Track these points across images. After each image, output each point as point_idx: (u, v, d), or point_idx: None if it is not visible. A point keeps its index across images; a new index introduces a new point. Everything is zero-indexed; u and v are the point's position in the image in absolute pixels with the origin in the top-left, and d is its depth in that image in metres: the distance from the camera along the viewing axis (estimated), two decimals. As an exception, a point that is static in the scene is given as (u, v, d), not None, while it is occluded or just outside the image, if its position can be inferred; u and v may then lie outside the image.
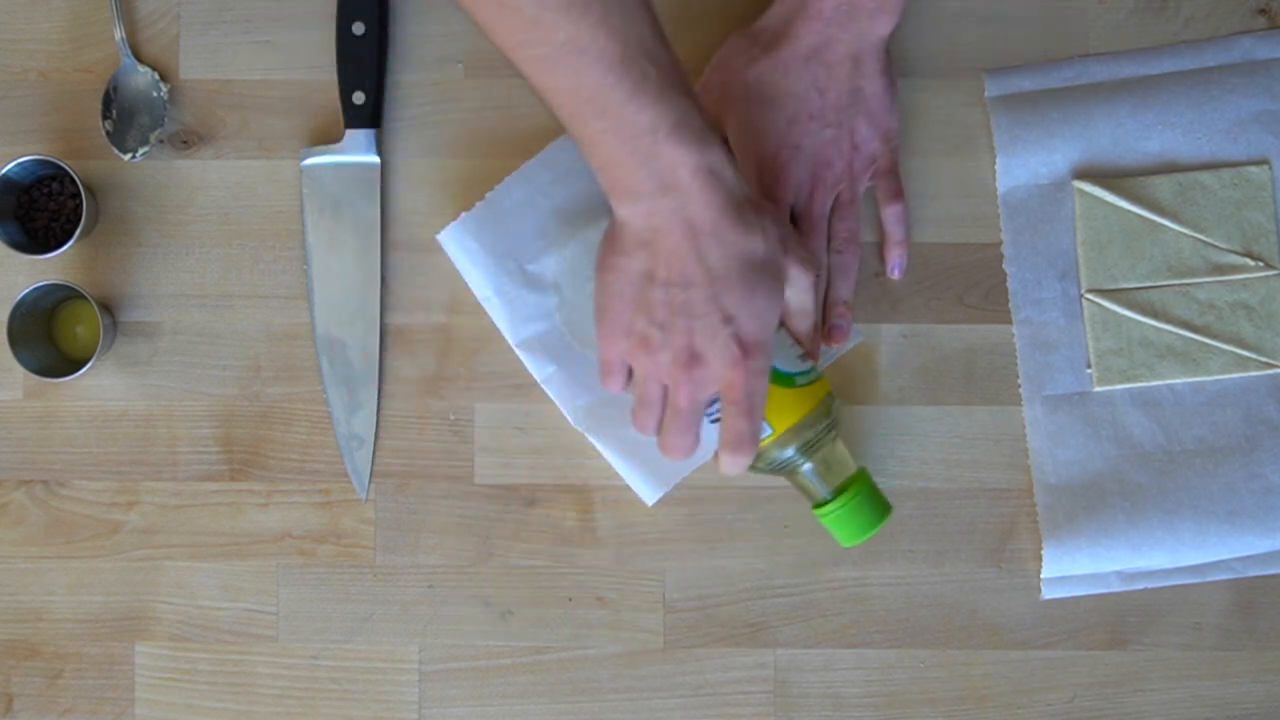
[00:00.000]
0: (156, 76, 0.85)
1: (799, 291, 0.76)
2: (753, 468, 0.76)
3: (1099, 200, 0.84)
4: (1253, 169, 0.84)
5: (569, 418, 0.84)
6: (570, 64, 0.66)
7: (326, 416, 0.85)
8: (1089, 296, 0.84)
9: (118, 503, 0.85)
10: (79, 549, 0.85)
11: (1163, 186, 0.84)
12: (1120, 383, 0.84)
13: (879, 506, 0.79)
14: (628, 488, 0.84)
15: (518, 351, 0.84)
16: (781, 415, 0.76)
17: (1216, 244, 0.84)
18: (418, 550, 0.85)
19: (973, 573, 0.84)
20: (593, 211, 0.83)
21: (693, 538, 0.85)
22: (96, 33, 0.86)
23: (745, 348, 0.71)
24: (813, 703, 0.84)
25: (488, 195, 0.84)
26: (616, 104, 0.66)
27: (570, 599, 0.85)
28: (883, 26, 0.81)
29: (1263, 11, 0.86)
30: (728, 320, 0.71)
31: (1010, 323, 0.85)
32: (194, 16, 0.86)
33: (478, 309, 0.85)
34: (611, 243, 0.72)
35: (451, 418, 0.85)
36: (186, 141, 0.86)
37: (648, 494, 0.84)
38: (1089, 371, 0.84)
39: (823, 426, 0.77)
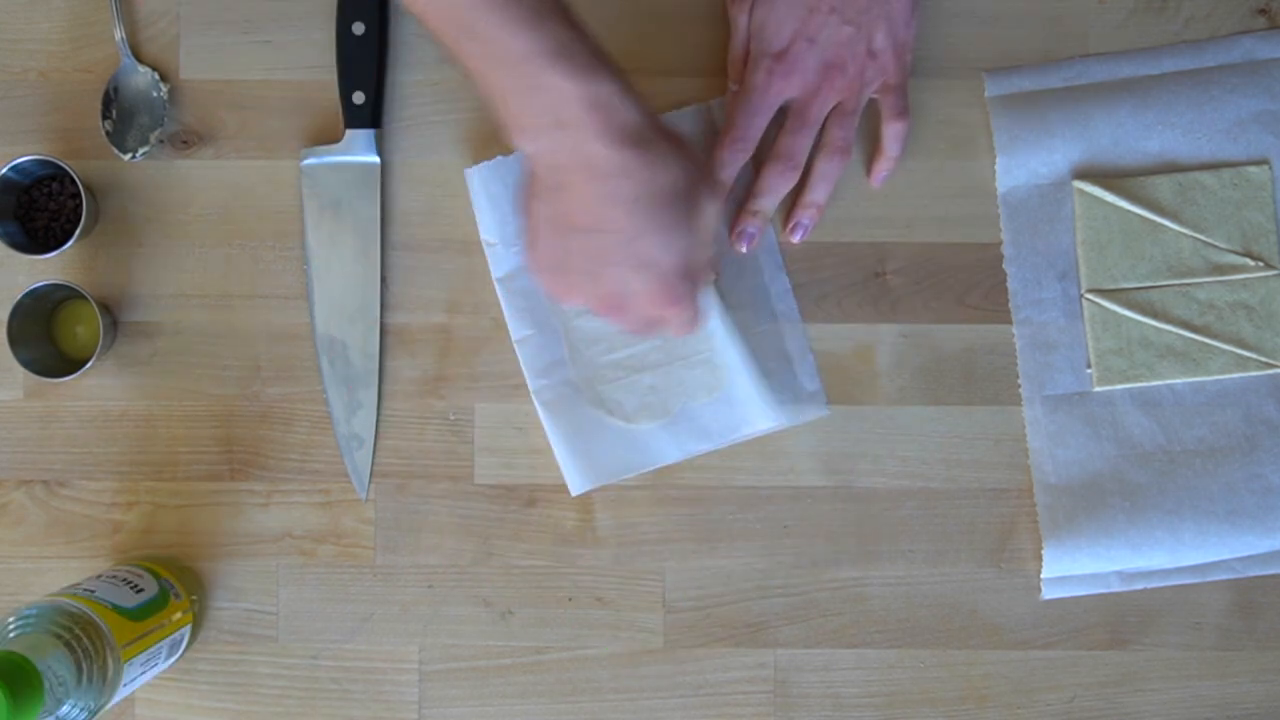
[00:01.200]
0: (156, 76, 0.85)
1: (709, 221, 0.72)
2: None
3: (1099, 200, 0.84)
4: (1253, 169, 0.84)
5: (529, 385, 0.84)
6: None
7: (326, 416, 0.85)
8: (1089, 296, 0.84)
9: (118, 503, 0.85)
10: (79, 549, 0.85)
11: (1163, 186, 0.84)
12: (1120, 383, 0.84)
13: None
14: (627, 487, 0.84)
15: (499, 291, 0.84)
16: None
17: (1216, 244, 0.84)
18: (418, 550, 0.85)
19: (973, 573, 0.84)
20: None
21: (693, 538, 0.85)
22: (96, 33, 0.86)
23: (669, 287, 0.70)
24: (813, 703, 0.84)
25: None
26: (489, 27, 0.63)
27: (570, 599, 0.85)
28: None
29: (1263, 11, 0.86)
30: (647, 265, 0.69)
31: (1010, 323, 0.85)
32: (194, 16, 0.86)
33: (478, 309, 0.85)
34: (529, 183, 0.70)
35: (451, 418, 0.85)
36: (186, 141, 0.86)
37: (575, 484, 0.83)
38: (1089, 371, 0.84)
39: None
